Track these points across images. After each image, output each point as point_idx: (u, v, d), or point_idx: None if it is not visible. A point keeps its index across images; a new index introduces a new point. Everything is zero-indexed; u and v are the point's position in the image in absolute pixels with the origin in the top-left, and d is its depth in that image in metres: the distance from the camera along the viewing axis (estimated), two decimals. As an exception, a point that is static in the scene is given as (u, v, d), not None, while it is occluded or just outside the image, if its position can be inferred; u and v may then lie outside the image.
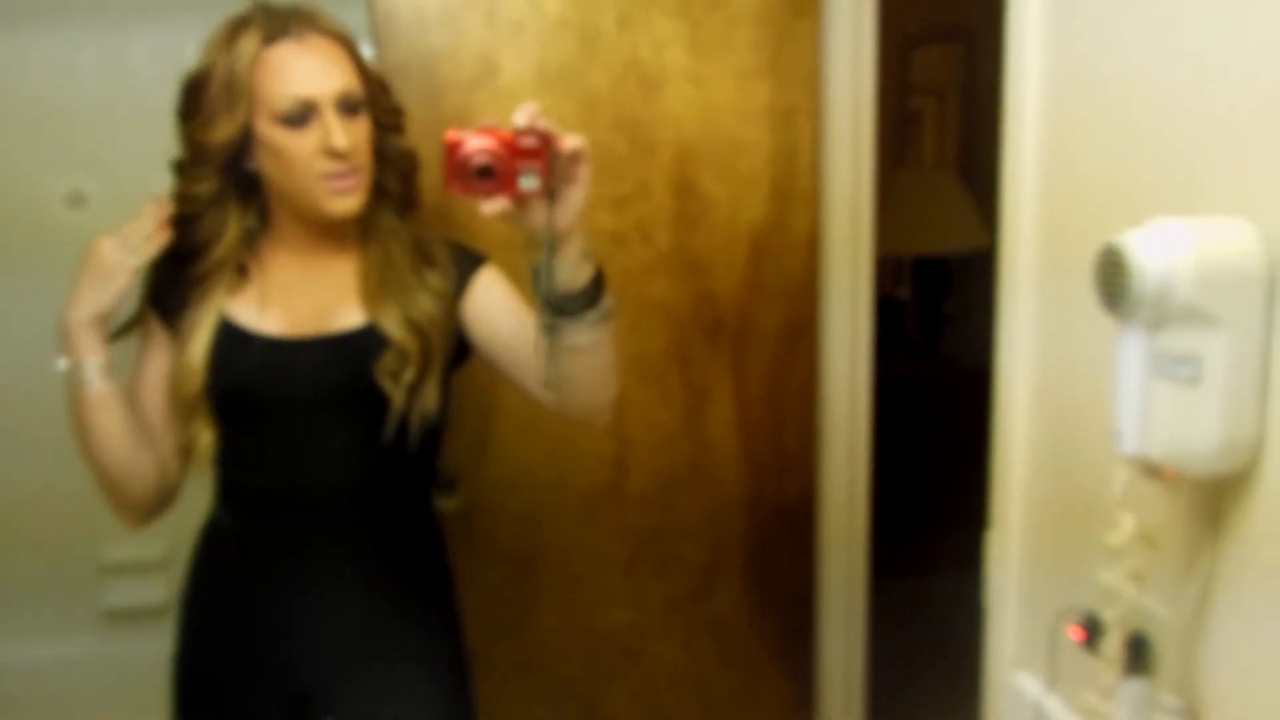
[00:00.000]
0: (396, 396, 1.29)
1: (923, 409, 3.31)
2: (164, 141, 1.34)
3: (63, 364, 1.26)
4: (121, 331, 1.34)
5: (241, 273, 1.34)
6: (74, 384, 1.27)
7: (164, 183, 1.35)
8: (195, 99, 1.27)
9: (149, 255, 1.28)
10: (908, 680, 2.41)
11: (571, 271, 1.14)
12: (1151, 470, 0.80)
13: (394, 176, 1.35)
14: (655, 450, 1.86)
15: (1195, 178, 0.83)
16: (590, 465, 1.83)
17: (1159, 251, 0.74)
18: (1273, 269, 0.75)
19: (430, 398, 1.32)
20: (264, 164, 1.28)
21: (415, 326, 1.31)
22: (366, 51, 1.35)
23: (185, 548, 1.44)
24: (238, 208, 1.32)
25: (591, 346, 1.20)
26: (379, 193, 1.34)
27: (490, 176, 1.06)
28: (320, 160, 1.24)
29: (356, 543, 1.36)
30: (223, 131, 1.24)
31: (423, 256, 1.36)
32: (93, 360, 1.25)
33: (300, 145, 1.23)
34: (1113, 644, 0.86)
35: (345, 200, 1.27)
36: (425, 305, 1.32)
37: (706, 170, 1.82)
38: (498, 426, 1.77)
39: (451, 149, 1.06)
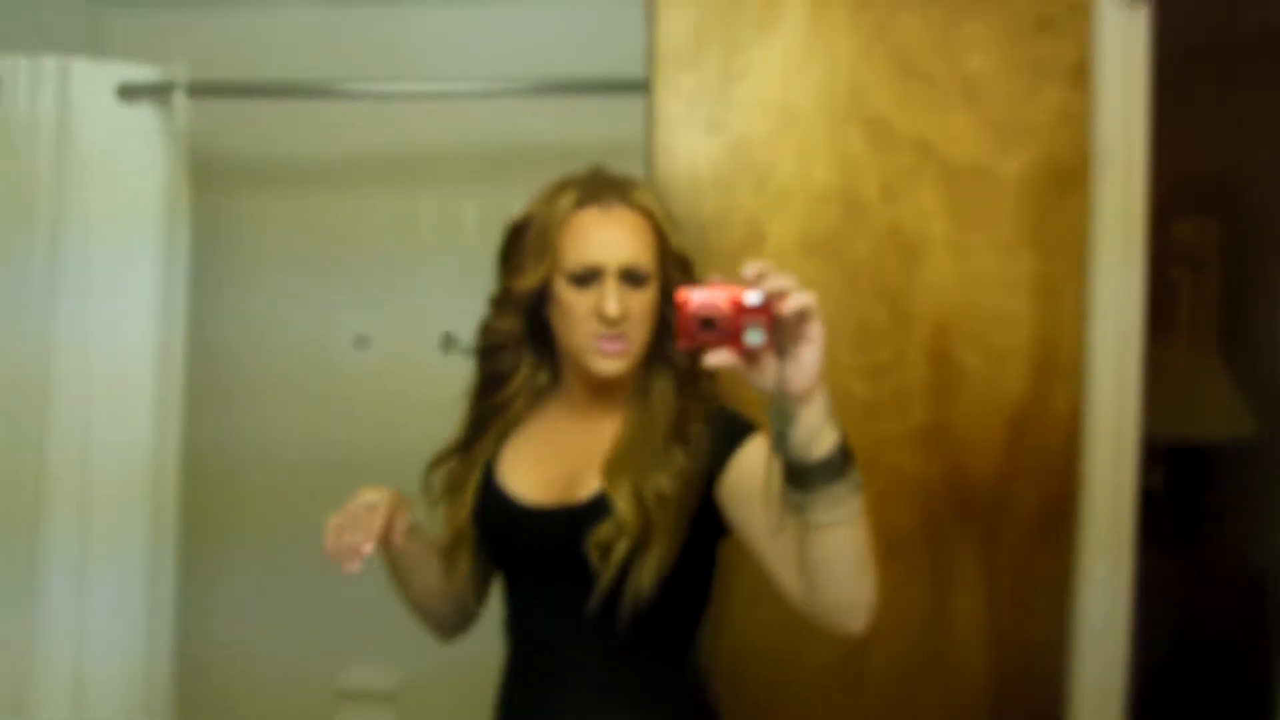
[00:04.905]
0: (604, 570, 1.28)
1: (1178, 611, 3.00)
2: (440, 290, 1.45)
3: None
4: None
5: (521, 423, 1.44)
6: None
7: (436, 327, 1.42)
8: (512, 245, 1.39)
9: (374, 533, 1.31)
10: None
11: (810, 437, 1.06)
12: None
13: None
14: (896, 634, 1.74)
15: None
16: (827, 642, 1.72)
17: None
18: None
19: (645, 576, 1.27)
20: (553, 316, 1.36)
21: (641, 502, 1.29)
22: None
23: (418, 682, 1.49)
24: (532, 353, 1.43)
25: (836, 525, 1.08)
26: (661, 357, 1.38)
27: (713, 328, 1.07)
28: (593, 321, 1.31)
29: (606, 704, 1.33)
30: (528, 280, 1.35)
31: (677, 431, 1.34)
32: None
33: (580, 304, 1.32)
34: None
35: (610, 362, 1.33)
36: (659, 483, 1.30)
37: (964, 341, 1.77)
38: (734, 590, 1.73)
39: (681, 305, 1.09)
